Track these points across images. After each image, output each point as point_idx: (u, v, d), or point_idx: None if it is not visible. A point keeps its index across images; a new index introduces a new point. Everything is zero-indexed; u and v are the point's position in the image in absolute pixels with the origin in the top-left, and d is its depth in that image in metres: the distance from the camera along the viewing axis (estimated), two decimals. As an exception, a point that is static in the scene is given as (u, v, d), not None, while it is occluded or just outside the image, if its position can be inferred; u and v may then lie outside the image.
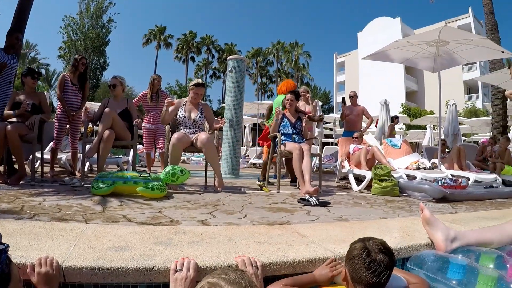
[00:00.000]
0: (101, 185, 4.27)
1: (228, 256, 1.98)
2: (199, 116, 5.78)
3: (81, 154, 6.91)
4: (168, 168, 4.71)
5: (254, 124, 21.06)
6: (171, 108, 5.64)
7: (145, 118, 7.84)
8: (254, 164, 15.65)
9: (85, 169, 7.28)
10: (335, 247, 2.27)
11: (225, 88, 65.79)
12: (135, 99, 8.06)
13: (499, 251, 2.54)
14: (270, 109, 7.79)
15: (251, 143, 20.40)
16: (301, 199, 4.59)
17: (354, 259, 1.80)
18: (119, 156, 8.38)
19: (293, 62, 63.42)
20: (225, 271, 1.34)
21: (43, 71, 44.63)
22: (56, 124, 6.75)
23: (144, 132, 7.86)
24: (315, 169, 9.50)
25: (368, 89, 48.56)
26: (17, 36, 6.58)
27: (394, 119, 12.80)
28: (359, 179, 7.08)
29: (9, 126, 5.00)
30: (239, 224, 3.02)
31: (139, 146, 13.99)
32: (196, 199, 4.40)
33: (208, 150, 5.32)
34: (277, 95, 7.99)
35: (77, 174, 6.90)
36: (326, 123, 19.16)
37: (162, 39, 60.80)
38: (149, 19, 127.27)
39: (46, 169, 6.77)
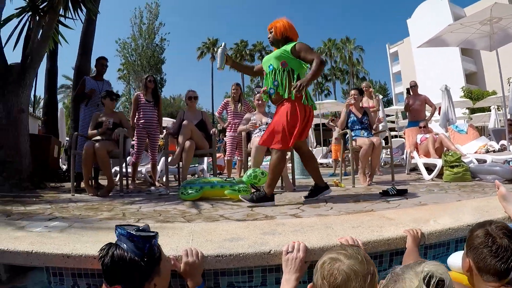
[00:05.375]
0: (190, 191, 4.72)
1: (330, 238, 2.28)
2: (270, 120, 6.14)
3: (160, 165, 7.53)
4: (250, 171, 5.03)
5: (316, 125, 21.10)
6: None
7: (228, 127, 8.22)
8: (321, 164, 15.42)
9: (163, 179, 7.85)
10: (421, 226, 2.51)
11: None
12: (218, 108, 8.52)
13: None
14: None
15: (314, 144, 20.29)
16: (384, 191, 4.74)
17: (478, 247, 1.71)
18: (195, 165, 8.88)
19: (347, 59, 62.66)
20: (343, 247, 1.60)
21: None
22: (136, 139, 7.28)
23: (228, 140, 8.22)
24: (382, 163, 9.66)
25: (426, 76, 46.60)
26: (102, 62, 7.29)
27: None
28: (429, 168, 7.19)
29: (97, 144, 5.55)
30: (329, 214, 3.34)
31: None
32: (279, 198, 4.73)
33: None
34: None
35: (157, 184, 7.42)
36: (387, 116, 19.00)
37: (215, 50, 61.88)
38: (200, 33, 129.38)
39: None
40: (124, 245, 1.70)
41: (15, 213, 3.76)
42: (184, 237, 2.42)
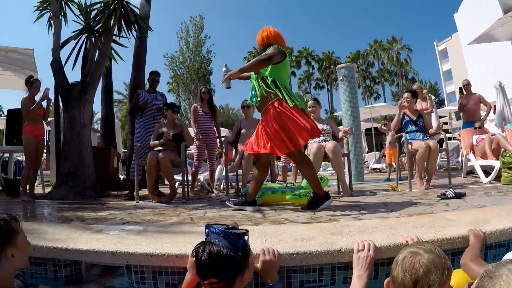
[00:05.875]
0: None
1: (396, 238, 2.38)
2: (326, 126, 6.24)
3: (217, 173, 7.73)
4: None
5: (367, 129, 20.78)
6: None
7: None
8: (374, 169, 15.36)
9: (221, 187, 8.08)
10: (482, 226, 2.56)
11: (330, 97, 65.14)
12: None
13: None
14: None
15: (366, 149, 19.77)
16: (443, 194, 4.75)
17: None
18: (251, 172, 9.04)
19: (394, 59, 61.65)
20: (420, 243, 1.71)
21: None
22: (195, 150, 7.57)
23: None
24: (437, 167, 9.51)
25: (478, 73, 43.45)
26: (153, 77, 7.63)
27: None
28: (486, 171, 7.03)
29: (160, 154, 5.80)
30: (391, 217, 3.42)
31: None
32: (337, 203, 4.82)
33: (334, 158, 5.70)
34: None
35: (215, 191, 7.67)
36: (440, 117, 18.43)
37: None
38: (246, 43, 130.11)
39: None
40: (219, 242, 1.86)
41: (87, 218, 4.05)
42: (257, 237, 2.56)
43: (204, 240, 1.96)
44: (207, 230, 1.98)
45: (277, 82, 4.17)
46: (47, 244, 2.58)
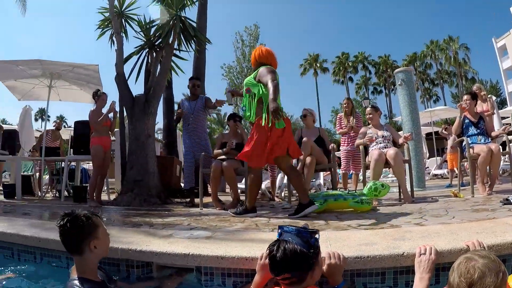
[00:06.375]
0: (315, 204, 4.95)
1: (457, 242, 2.42)
2: (386, 132, 6.24)
3: (278, 181, 7.86)
4: (370, 183, 5.12)
5: (427, 134, 20.15)
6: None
7: (342, 141, 8.54)
8: (435, 175, 14.96)
9: (282, 195, 8.20)
10: None
11: (388, 102, 63.96)
12: (337, 127, 8.86)
13: None
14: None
15: (427, 154, 19.05)
16: (506, 199, 4.63)
17: None
18: (313, 180, 9.13)
19: (452, 60, 59.21)
20: (476, 250, 1.79)
21: (214, 115, 48.25)
22: None
23: (343, 154, 8.48)
24: (500, 171, 9.22)
25: None
26: (193, 83, 7.56)
27: None
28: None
29: (224, 163, 5.99)
30: (452, 222, 3.43)
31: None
32: (399, 209, 4.87)
33: (395, 164, 5.71)
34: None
35: (276, 199, 7.82)
36: (503, 118, 17.45)
37: (317, 66, 62.29)
38: (300, 49, 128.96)
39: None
40: (293, 240, 2.02)
41: (155, 224, 4.30)
42: (322, 243, 2.64)
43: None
44: (279, 230, 2.15)
45: (263, 101, 4.54)
46: (122, 246, 2.84)
